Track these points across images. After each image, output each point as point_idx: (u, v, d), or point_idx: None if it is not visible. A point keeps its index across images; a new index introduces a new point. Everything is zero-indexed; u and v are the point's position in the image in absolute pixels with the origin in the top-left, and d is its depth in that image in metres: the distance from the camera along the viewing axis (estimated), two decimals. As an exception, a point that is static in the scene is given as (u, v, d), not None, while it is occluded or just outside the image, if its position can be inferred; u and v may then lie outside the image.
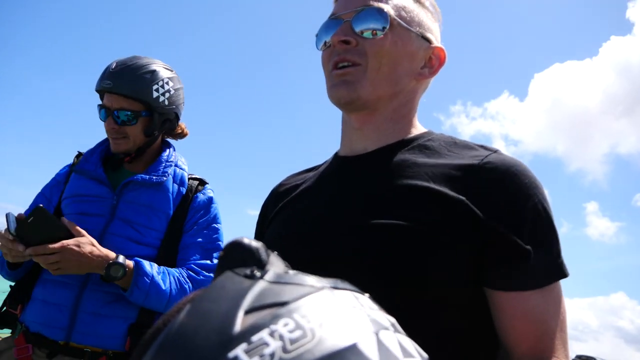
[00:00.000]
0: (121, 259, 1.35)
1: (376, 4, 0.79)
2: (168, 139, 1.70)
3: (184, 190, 1.56)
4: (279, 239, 0.85)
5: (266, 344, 0.24)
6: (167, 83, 1.51)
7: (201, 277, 1.50)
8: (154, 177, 1.50)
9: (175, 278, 1.44)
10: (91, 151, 1.60)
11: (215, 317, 0.26)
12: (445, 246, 0.67)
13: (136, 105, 1.46)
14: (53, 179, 1.63)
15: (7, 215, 1.23)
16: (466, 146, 0.79)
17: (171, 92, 1.53)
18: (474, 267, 0.69)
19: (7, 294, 1.49)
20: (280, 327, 0.25)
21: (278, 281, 0.29)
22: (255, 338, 0.24)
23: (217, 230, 1.58)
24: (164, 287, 1.39)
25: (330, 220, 0.77)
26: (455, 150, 0.78)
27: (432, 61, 0.86)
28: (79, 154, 1.64)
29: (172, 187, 1.55)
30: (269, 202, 0.99)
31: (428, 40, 0.84)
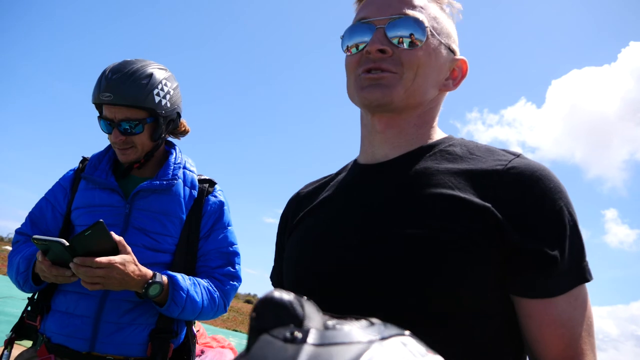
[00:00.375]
0: (158, 277, 1.35)
1: (412, 13, 0.78)
2: (170, 138, 1.67)
3: (195, 193, 1.55)
4: (302, 249, 0.84)
5: None
6: (165, 85, 1.47)
7: (227, 286, 1.52)
8: (165, 182, 1.48)
9: (205, 288, 1.46)
10: (98, 158, 1.57)
11: None
12: (472, 254, 0.67)
13: (140, 113, 1.43)
14: (57, 185, 1.58)
15: (46, 240, 1.19)
16: (488, 150, 0.78)
17: (171, 93, 1.49)
18: (500, 274, 0.68)
19: (25, 302, 1.49)
20: None
21: (323, 343, 0.26)
22: None
23: (232, 233, 1.59)
24: (197, 299, 1.41)
25: (355, 230, 0.76)
26: (477, 154, 0.77)
27: (455, 73, 0.85)
28: (84, 159, 1.61)
29: (184, 190, 1.53)
30: (289, 211, 0.98)
31: (453, 52, 0.84)
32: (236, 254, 1.57)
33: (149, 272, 1.34)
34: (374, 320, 0.29)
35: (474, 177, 0.72)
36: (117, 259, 1.24)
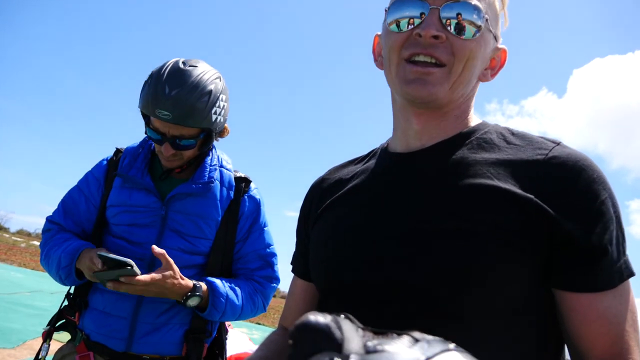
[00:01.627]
0: (198, 289, 1.36)
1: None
2: None
3: (232, 193, 1.53)
4: (333, 239, 0.80)
5: None
6: (221, 99, 1.43)
7: (267, 289, 1.55)
8: (201, 185, 1.46)
9: (245, 292, 1.48)
10: (134, 154, 1.53)
11: None
12: (515, 247, 0.64)
13: (195, 130, 1.40)
14: (91, 175, 1.56)
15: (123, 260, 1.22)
16: (525, 137, 0.75)
17: (225, 107, 1.47)
18: (543, 267, 0.66)
19: (54, 295, 1.64)
20: None
21: None
22: None
23: (269, 234, 1.59)
24: (237, 303, 1.44)
25: (392, 222, 0.73)
26: (514, 143, 0.74)
27: (494, 62, 0.82)
28: (118, 151, 1.58)
29: (222, 191, 1.52)
30: (313, 198, 0.94)
31: (496, 39, 0.80)
32: (273, 254, 1.58)
33: (190, 284, 1.35)
34: (417, 335, 0.28)
35: (514, 167, 0.70)
36: (157, 276, 1.27)
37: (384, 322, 0.68)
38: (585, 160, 0.69)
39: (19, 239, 20.36)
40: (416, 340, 0.28)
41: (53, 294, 7.67)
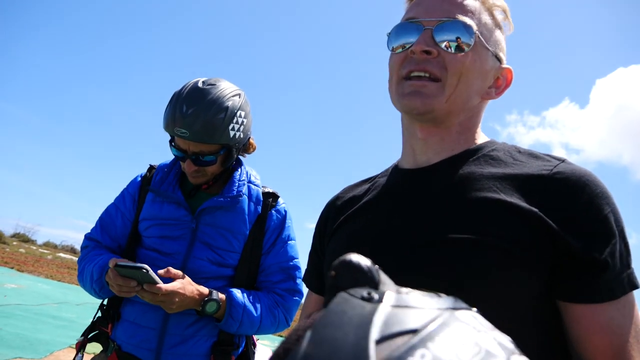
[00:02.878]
0: (214, 294, 1.39)
1: (462, 18, 0.77)
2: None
3: (259, 208, 1.56)
4: (347, 252, 0.79)
5: None
6: (240, 115, 1.46)
7: (289, 302, 1.54)
8: (229, 199, 1.50)
9: (265, 304, 1.49)
10: (166, 171, 1.59)
11: (345, 347, 0.24)
12: (520, 259, 0.66)
13: (214, 146, 1.44)
14: (126, 192, 1.62)
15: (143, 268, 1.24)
16: (531, 155, 0.77)
17: (244, 123, 1.49)
18: (547, 280, 0.68)
19: (97, 308, 1.56)
20: (418, 359, 0.24)
21: (399, 304, 0.28)
22: None
23: (293, 248, 1.60)
24: (255, 314, 1.44)
25: (398, 236, 0.76)
26: (520, 160, 0.77)
27: (499, 81, 0.84)
28: (151, 167, 1.64)
29: (249, 206, 1.55)
30: (327, 216, 0.97)
31: (499, 60, 0.83)
32: (297, 268, 1.58)
33: (205, 290, 1.39)
34: (442, 294, 0.31)
35: (519, 181, 0.72)
36: (177, 285, 1.30)
37: None
38: (589, 176, 0.71)
39: (45, 251, 20.87)
40: (441, 296, 0.30)
41: (79, 305, 8.02)
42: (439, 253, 0.70)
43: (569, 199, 0.68)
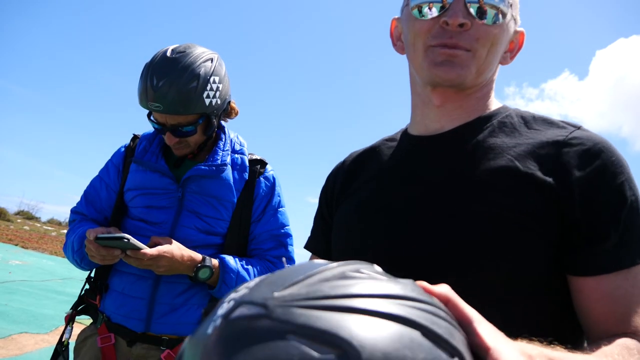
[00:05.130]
0: (207, 260, 1.38)
1: None
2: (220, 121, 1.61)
3: (246, 175, 1.54)
4: (359, 223, 0.81)
5: None
6: (214, 81, 1.40)
7: (280, 268, 1.56)
8: (214, 168, 1.47)
9: (258, 270, 1.48)
10: (149, 140, 1.56)
11: None
12: (535, 232, 0.65)
13: (192, 117, 1.39)
14: (110, 163, 1.59)
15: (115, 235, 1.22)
16: (546, 121, 0.75)
17: (220, 88, 1.43)
18: (557, 250, 0.66)
19: (84, 282, 1.53)
20: None
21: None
22: None
23: (283, 215, 1.58)
24: (248, 280, 1.39)
25: (411, 205, 0.74)
26: (535, 126, 0.74)
27: (512, 45, 0.81)
28: (135, 137, 1.61)
29: (233, 174, 1.52)
30: (335, 180, 0.95)
31: (516, 22, 0.79)
32: (288, 235, 1.57)
33: (199, 256, 1.37)
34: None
35: (534, 148, 0.70)
36: (163, 248, 1.29)
37: None
38: (605, 143, 0.69)
39: (49, 228, 21.06)
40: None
41: (83, 281, 7.96)
42: (452, 225, 0.69)
43: (581, 166, 0.66)
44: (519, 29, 0.82)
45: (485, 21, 0.73)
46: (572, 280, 0.67)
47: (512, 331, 0.58)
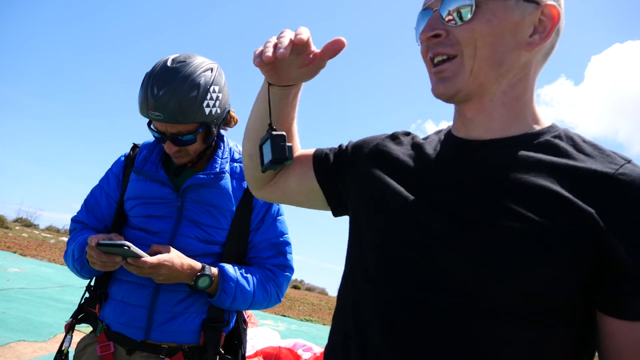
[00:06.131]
0: (207, 269, 1.39)
1: None
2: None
3: (244, 184, 1.54)
4: (388, 215, 0.79)
5: None
6: (214, 91, 1.41)
7: (280, 277, 1.53)
8: (212, 177, 1.48)
9: (257, 279, 1.48)
10: (149, 149, 1.57)
11: None
12: (564, 258, 0.63)
13: (192, 126, 1.41)
14: (110, 172, 1.60)
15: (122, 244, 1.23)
16: (595, 147, 0.73)
17: (220, 97, 1.45)
18: (586, 285, 0.65)
19: (84, 289, 1.54)
20: None
21: None
22: None
23: (282, 223, 1.59)
24: (248, 289, 1.44)
25: (444, 208, 0.73)
26: (584, 151, 0.72)
27: (544, 23, 0.75)
28: (135, 146, 1.62)
29: (232, 183, 1.53)
30: (365, 149, 0.94)
31: (534, 1, 0.74)
32: (287, 243, 1.58)
33: (198, 265, 1.38)
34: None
35: (580, 175, 0.68)
36: (164, 257, 1.30)
37: (414, 306, 0.71)
38: None
39: (48, 235, 20.97)
40: None
41: (82, 288, 7.87)
42: (477, 236, 0.68)
43: (628, 204, 0.64)
44: (546, 2, 0.75)
45: (462, 22, 0.73)
46: (603, 319, 0.66)
47: (524, 354, 0.62)
